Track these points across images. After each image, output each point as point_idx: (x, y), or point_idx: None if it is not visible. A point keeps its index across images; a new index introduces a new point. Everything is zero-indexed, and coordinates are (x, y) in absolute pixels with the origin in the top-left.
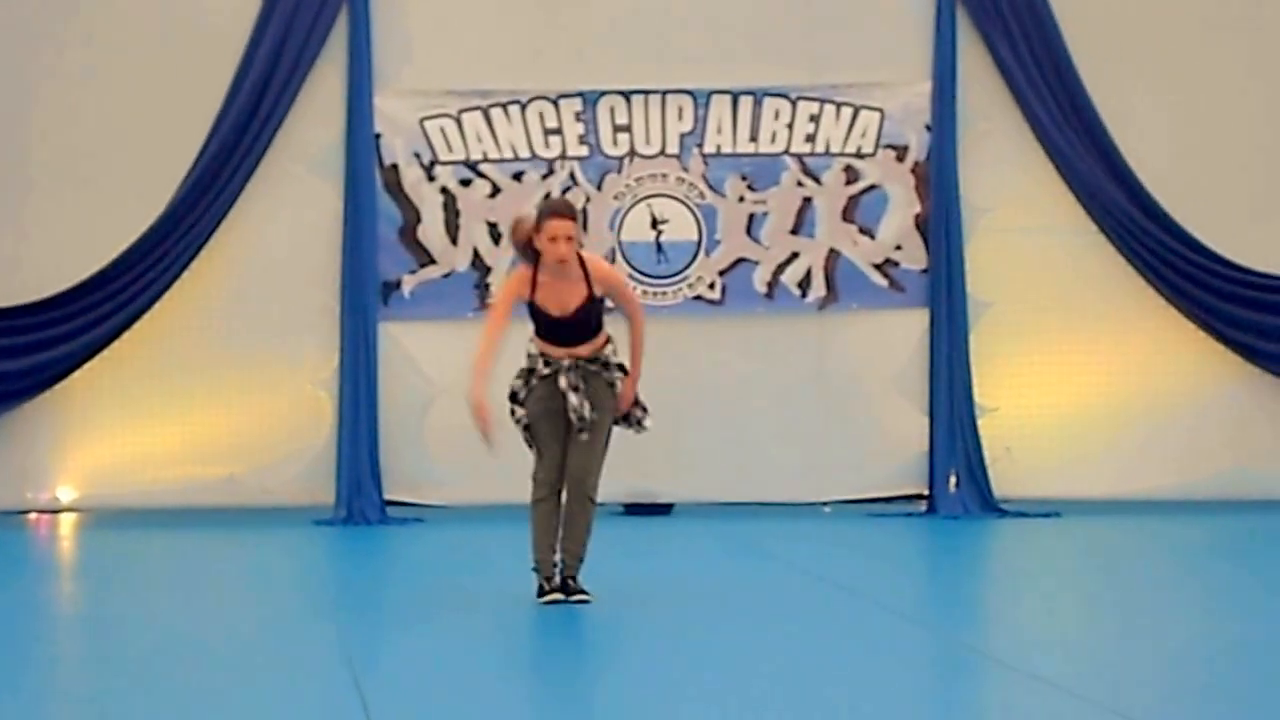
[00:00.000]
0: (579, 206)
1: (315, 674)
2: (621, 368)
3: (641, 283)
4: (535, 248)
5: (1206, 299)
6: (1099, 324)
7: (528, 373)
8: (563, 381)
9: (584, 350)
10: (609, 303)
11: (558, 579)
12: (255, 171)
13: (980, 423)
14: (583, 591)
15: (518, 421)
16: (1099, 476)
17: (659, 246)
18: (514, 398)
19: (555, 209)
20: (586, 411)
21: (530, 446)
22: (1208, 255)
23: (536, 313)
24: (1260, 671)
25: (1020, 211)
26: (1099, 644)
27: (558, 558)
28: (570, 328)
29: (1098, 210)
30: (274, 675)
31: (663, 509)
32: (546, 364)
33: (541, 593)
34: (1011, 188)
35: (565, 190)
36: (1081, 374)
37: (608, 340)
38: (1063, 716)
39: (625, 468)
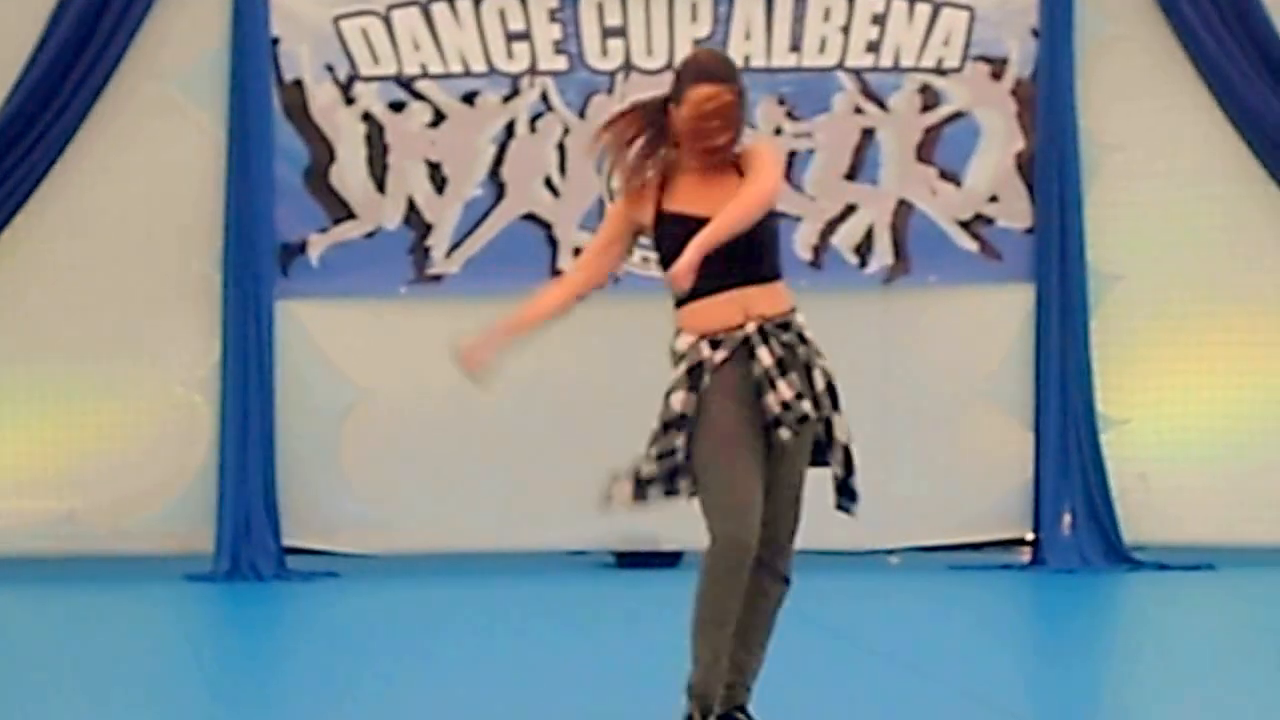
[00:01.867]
0: (557, 136)
1: None
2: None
3: (643, 246)
4: (666, 135)
5: None
6: (1271, 307)
7: (690, 374)
8: (764, 357)
9: (765, 303)
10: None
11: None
12: (102, 93)
13: (1105, 441)
14: None
15: (675, 473)
16: (1268, 515)
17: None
18: (679, 423)
19: (706, 69)
20: (807, 407)
21: (691, 493)
22: None
23: (676, 234)
24: None
25: (1161, 151)
26: None
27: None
28: (736, 247)
29: (1270, 152)
30: None
31: (667, 559)
32: (715, 345)
33: None
34: (1150, 118)
35: (536, 117)
36: (1246, 374)
37: (794, 307)
38: None
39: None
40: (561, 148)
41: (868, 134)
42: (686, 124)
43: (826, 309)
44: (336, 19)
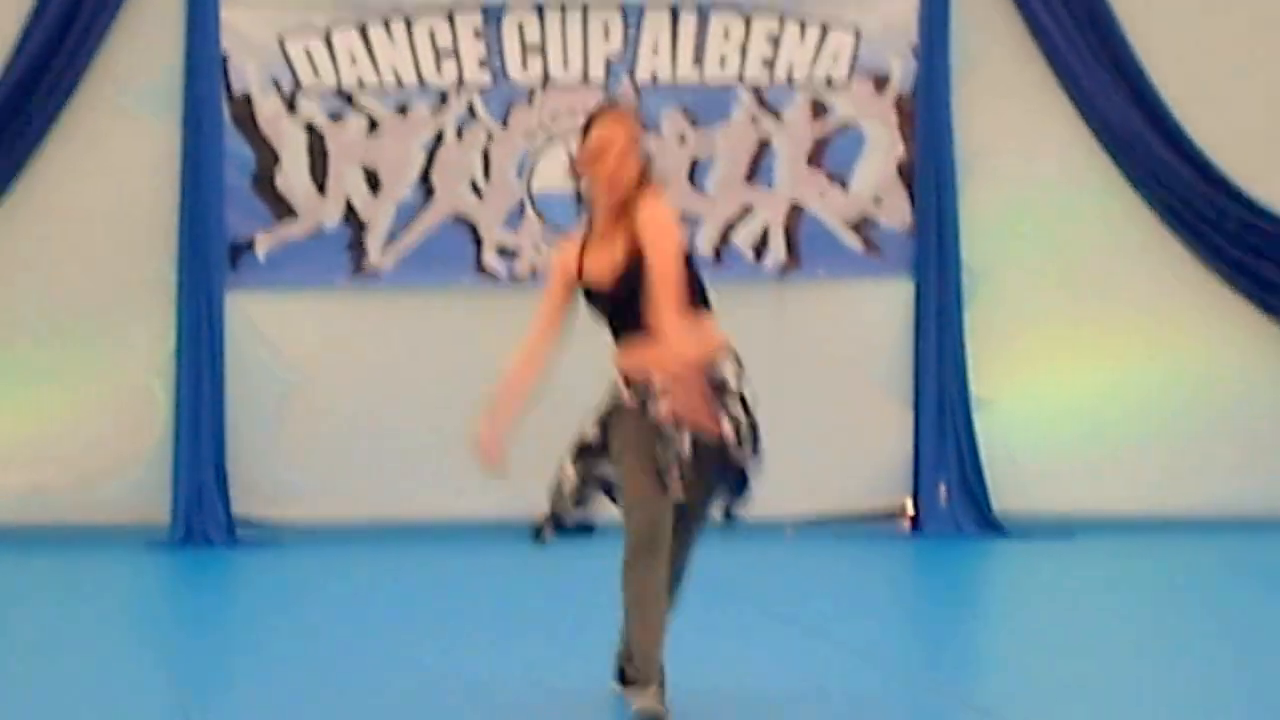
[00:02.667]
0: (482, 144)
1: None
2: (744, 402)
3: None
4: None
5: (1266, 272)
6: (1128, 300)
7: (609, 410)
8: (663, 408)
9: (668, 355)
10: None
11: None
12: (67, 105)
13: (977, 420)
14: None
15: (575, 498)
16: (1125, 488)
17: (580, 198)
18: (581, 453)
19: (591, 119)
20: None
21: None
22: (1271, 219)
23: (588, 302)
24: None
25: (1028, 157)
26: (1121, 701)
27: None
28: (615, 309)
29: (1126, 158)
30: None
31: (582, 530)
32: (629, 384)
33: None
34: (1018, 127)
35: (462, 126)
36: (1104, 361)
37: (723, 346)
38: None
39: (531, 477)
40: (486, 154)
41: (763, 142)
42: (585, 170)
43: (726, 301)
44: (281, 37)
